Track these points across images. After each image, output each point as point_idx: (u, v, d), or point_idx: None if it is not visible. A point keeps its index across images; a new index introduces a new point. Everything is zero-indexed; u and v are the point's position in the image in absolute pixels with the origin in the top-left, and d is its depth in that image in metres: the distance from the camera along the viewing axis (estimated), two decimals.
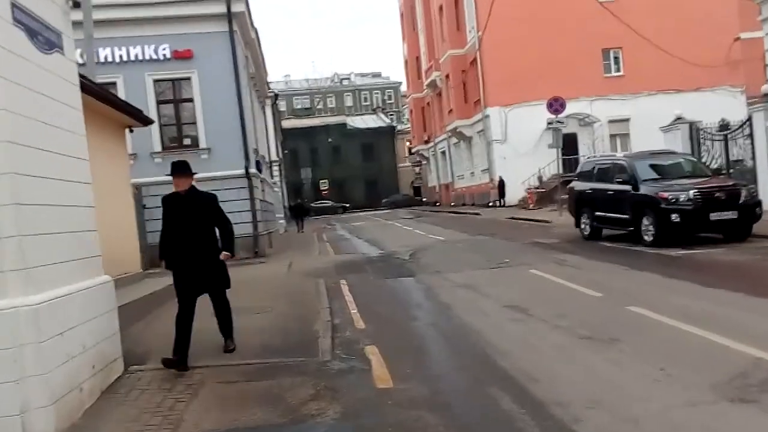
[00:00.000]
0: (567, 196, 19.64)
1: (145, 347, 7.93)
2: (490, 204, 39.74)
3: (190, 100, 20.29)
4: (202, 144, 20.20)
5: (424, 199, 64.91)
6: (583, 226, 17.64)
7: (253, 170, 20.62)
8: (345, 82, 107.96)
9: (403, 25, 62.85)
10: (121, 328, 7.11)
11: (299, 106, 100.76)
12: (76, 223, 6.18)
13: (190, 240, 7.10)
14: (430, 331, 8.31)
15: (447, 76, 46.60)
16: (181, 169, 7.20)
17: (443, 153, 55.08)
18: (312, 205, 66.62)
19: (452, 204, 50.37)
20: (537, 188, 36.67)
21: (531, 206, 34.11)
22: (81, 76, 9.54)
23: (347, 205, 68.67)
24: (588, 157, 24.59)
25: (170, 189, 20.54)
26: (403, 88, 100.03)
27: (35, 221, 5.28)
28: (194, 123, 20.32)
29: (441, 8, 46.42)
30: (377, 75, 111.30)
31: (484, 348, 7.19)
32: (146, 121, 13.68)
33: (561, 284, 10.85)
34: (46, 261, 5.41)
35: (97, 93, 10.62)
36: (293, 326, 8.95)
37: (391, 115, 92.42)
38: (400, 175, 76.90)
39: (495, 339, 7.51)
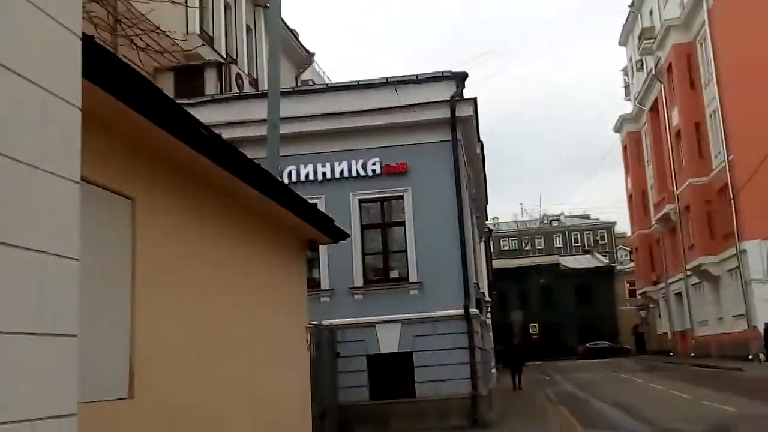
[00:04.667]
0: None
1: None
2: (751, 357, 32.16)
3: (401, 223, 16.65)
4: (413, 277, 16.27)
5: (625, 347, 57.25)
6: None
7: (473, 310, 16.31)
8: (554, 223, 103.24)
9: (626, 158, 57.88)
10: None
11: (506, 248, 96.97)
12: None
13: None
14: None
15: (686, 208, 40.51)
16: None
17: (678, 295, 47.74)
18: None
19: (692, 355, 42.52)
20: None
21: None
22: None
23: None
24: None
25: (372, 333, 16.17)
26: (620, 227, 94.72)
27: None
28: (404, 251, 16.53)
29: (678, 134, 41.08)
30: (586, 216, 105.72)
31: None
32: (337, 235, 9.87)
33: None
34: None
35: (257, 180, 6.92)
36: None
37: (605, 255, 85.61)
38: (620, 320, 69.14)
39: None
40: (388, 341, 16.13)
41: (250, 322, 7.46)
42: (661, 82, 44.97)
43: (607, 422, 16.10)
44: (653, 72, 46.31)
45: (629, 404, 18.74)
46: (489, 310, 30.53)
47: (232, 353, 6.87)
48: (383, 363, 16.16)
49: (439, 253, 16.03)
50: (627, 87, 59.21)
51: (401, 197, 16.57)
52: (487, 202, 29.92)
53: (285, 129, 14.97)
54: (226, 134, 16.40)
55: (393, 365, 16.18)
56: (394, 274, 16.77)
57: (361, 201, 16.79)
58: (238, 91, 19.87)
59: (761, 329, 31.58)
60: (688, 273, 42.77)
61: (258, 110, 14.75)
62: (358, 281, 16.56)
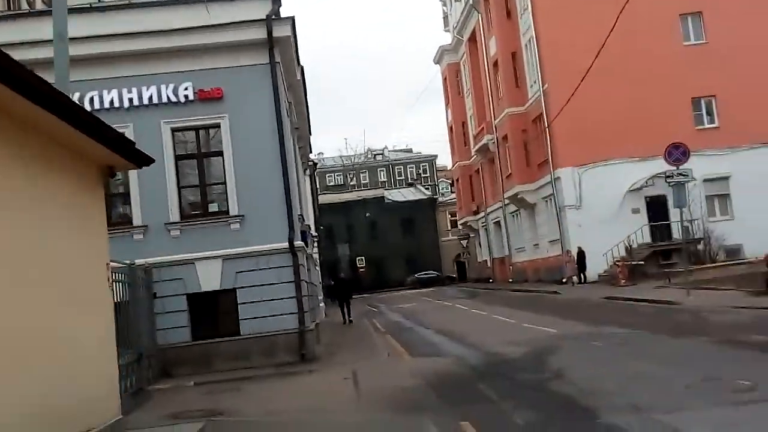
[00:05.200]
0: None
1: None
2: (565, 280, 34.17)
3: (219, 153, 15.53)
4: (233, 210, 15.31)
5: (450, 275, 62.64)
6: None
7: (298, 243, 15.65)
8: (378, 158, 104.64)
9: (447, 90, 58.67)
10: None
11: (332, 183, 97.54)
12: None
13: None
14: None
15: (504, 138, 41.82)
16: None
17: (497, 224, 49.80)
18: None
19: (510, 280, 44.74)
20: (625, 260, 31.07)
21: (623, 282, 28.45)
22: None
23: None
24: None
25: (191, 270, 15.02)
26: (441, 160, 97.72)
27: None
28: (223, 183, 15.48)
29: (495, 64, 41.96)
30: (409, 150, 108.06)
31: None
32: (140, 160, 8.70)
33: None
34: None
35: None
36: None
37: (428, 188, 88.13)
38: (443, 250, 71.52)
39: None
40: (209, 278, 15.21)
41: (32, 260, 6.30)
42: (478, 12, 45.54)
43: (434, 349, 16.19)
44: (470, 1, 46.77)
45: (454, 331, 19.05)
46: (316, 244, 30.14)
47: (9, 297, 5.74)
48: (205, 301, 15.27)
49: (261, 185, 15.19)
50: (446, 17, 59.17)
51: (218, 125, 15.44)
52: (310, 133, 29.10)
53: (83, 50, 13.47)
54: (15, 56, 14.43)
55: (215, 303, 15.36)
56: (213, 207, 15.72)
57: (174, 129, 15.48)
58: (28, 8, 17.60)
59: (574, 253, 33.51)
60: (506, 201, 44.45)
61: (51, 30, 12.94)
62: (175, 216, 15.39)
